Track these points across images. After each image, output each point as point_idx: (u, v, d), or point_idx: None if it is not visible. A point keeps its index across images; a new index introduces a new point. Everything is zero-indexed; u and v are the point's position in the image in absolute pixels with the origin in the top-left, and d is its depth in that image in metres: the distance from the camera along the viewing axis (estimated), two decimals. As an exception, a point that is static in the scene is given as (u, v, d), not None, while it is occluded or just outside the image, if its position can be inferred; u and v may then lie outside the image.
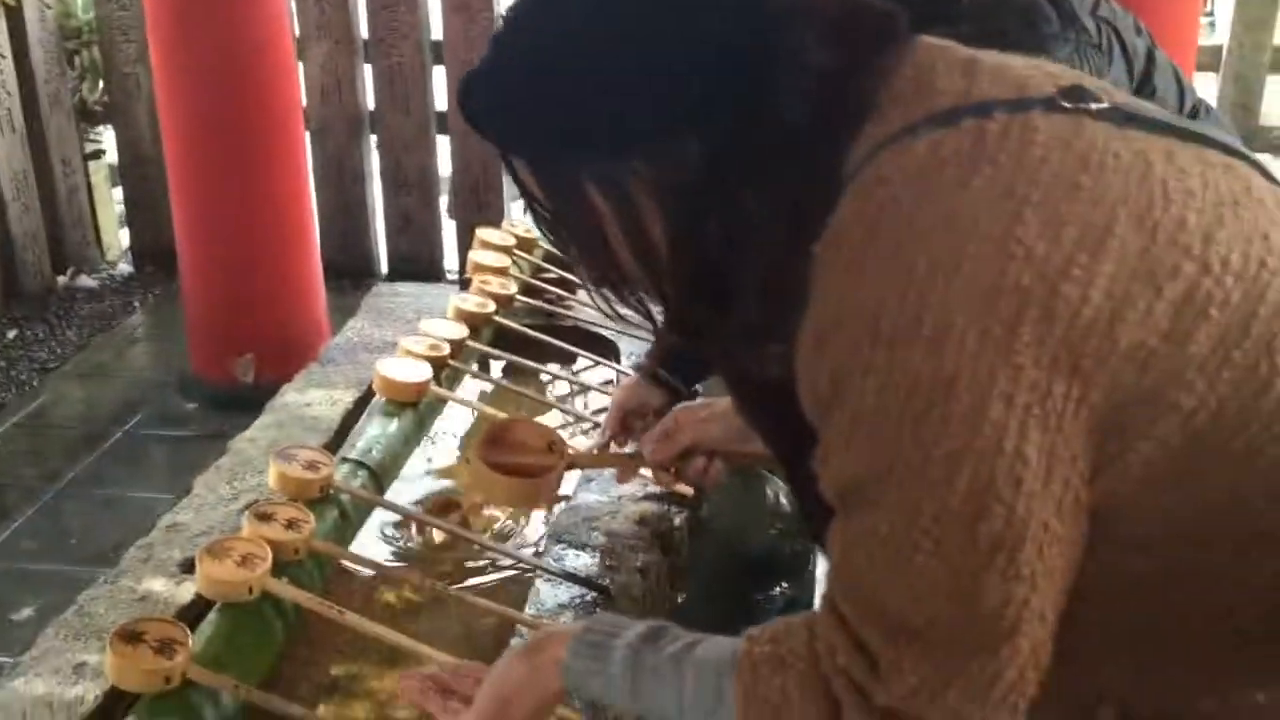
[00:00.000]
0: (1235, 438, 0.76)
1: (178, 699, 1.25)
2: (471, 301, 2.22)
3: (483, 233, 2.49)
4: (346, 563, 1.66)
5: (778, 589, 2.07)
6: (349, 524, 1.66)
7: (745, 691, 0.87)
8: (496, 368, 2.28)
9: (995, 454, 0.74)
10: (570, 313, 2.48)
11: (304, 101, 3.85)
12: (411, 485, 1.94)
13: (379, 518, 1.81)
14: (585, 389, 2.20)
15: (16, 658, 1.50)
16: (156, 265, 4.46)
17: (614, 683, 1.00)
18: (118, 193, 4.69)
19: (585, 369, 2.29)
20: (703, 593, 1.78)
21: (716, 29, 0.84)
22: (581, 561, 1.65)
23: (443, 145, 4.23)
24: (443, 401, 2.01)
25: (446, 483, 1.97)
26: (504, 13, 0.97)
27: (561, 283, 2.54)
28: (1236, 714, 0.82)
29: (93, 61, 4.48)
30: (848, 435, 0.79)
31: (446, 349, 2.02)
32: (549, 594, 1.58)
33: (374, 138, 4.28)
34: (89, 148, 4.52)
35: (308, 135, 3.92)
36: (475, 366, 2.18)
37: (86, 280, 4.44)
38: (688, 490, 1.82)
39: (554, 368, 2.24)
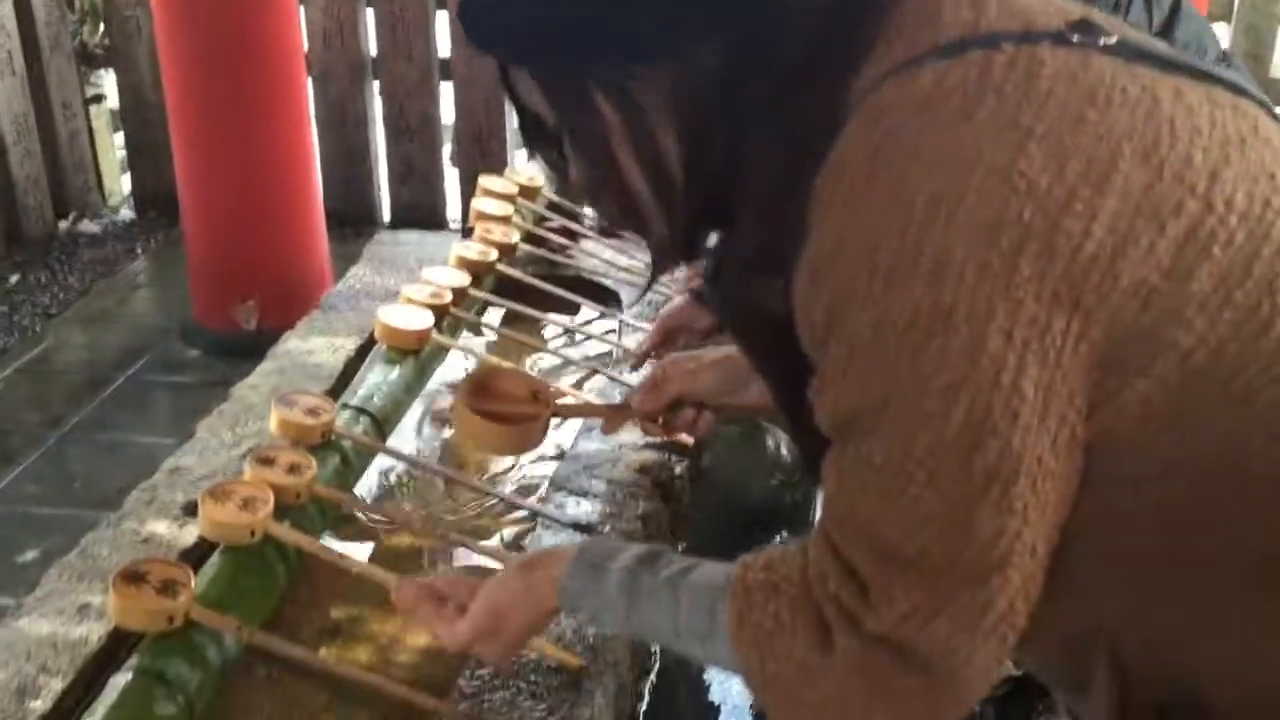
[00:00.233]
0: (1234, 378, 0.76)
1: (181, 639, 1.26)
2: (474, 249, 2.22)
3: (485, 180, 2.48)
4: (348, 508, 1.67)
5: (778, 538, 2.08)
6: (350, 470, 1.67)
7: (738, 616, 0.88)
8: (498, 316, 2.28)
9: (992, 387, 0.74)
10: (573, 261, 2.47)
11: (305, 46, 3.81)
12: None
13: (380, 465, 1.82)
14: (587, 337, 2.20)
15: (21, 599, 1.51)
16: (158, 211, 4.45)
17: (609, 604, 1.02)
18: (119, 138, 4.67)
19: (588, 318, 2.29)
20: (703, 542, 1.79)
21: None
22: (583, 509, 1.66)
23: (446, 92, 4.20)
24: (444, 349, 2.01)
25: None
26: None
27: (564, 231, 2.53)
28: (1224, 663, 0.83)
29: (93, 4, 4.44)
30: (844, 367, 0.79)
31: (448, 297, 2.02)
32: (550, 541, 1.59)
33: (376, 84, 4.25)
34: (90, 92, 4.49)
35: (309, 81, 3.89)
36: (477, 314, 2.18)
37: (89, 225, 4.43)
38: (688, 440, 1.83)
39: (556, 316, 2.24)
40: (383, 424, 1.78)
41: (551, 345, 2.20)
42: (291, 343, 2.21)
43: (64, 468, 2.98)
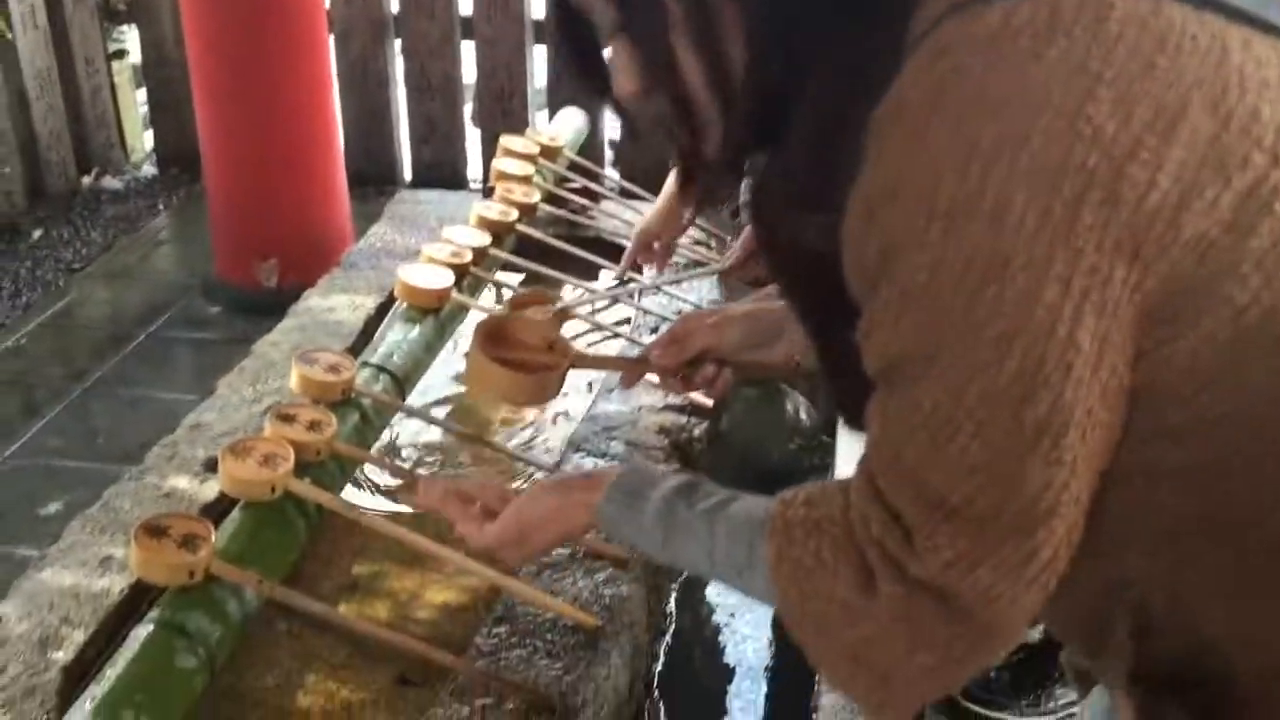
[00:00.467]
0: None
1: (202, 593, 1.27)
2: (494, 209, 2.21)
3: (507, 140, 2.47)
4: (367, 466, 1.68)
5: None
6: (370, 428, 1.68)
7: (778, 552, 0.88)
8: (518, 277, 2.27)
9: (1047, 338, 0.73)
10: (593, 223, 2.47)
11: (327, 4, 3.79)
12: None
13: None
14: (610, 301, 2.20)
15: (44, 550, 1.53)
16: (181, 168, 4.45)
17: (646, 533, 1.02)
18: (142, 94, 4.66)
19: (607, 279, 2.28)
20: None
21: None
22: (600, 470, 1.66)
23: (467, 51, 4.17)
24: (464, 308, 2.01)
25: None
26: None
27: (585, 192, 2.52)
28: (1248, 628, 0.82)
29: (115, -42, 4.43)
30: (896, 311, 0.77)
31: (469, 256, 2.02)
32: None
33: (398, 42, 4.23)
34: (112, 47, 4.48)
35: (331, 38, 3.87)
36: (497, 274, 2.18)
37: (111, 181, 4.43)
38: (707, 401, 1.82)
39: (575, 277, 2.23)
40: (402, 382, 1.79)
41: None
42: (312, 300, 2.21)
43: (87, 422, 3.00)
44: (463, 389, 2.03)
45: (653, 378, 1.62)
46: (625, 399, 1.83)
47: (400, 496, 1.73)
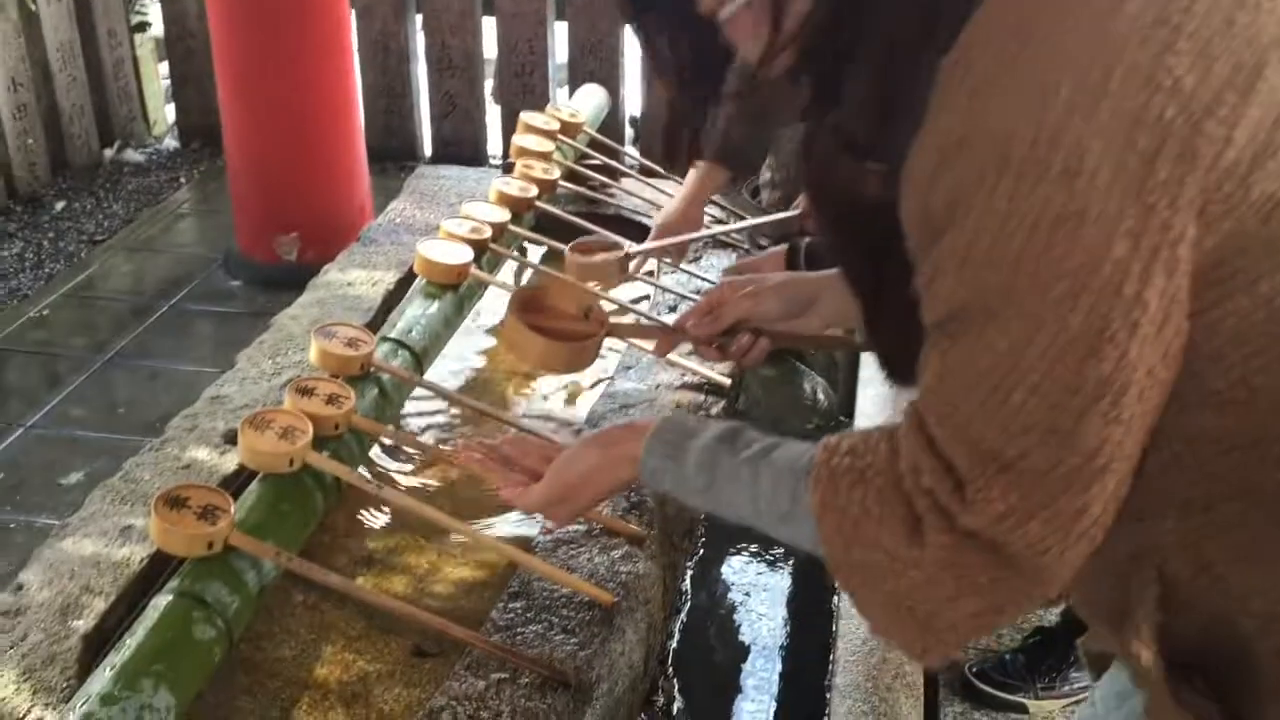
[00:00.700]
0: None
1: (220, 564, 1.28)
2: (514, 185, 2.21)
3: (527, 116, 2.46)
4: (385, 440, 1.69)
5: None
6: (388, 402, 1.68)
7: (823, 500, 0.88)
8: (537, 253, 2.27)
9: (1114, 295, 0.72)
10: (613, 200, 2.46)
11: (349, -22, 3.79)
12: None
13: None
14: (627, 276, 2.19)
15: (65, 519, 1.54)
16: (202, 141, 4.47)
17: (688, 482, 1.03)
18: (164, 68, 4.67)
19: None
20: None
21: None
22: (617, 447, 1.66)
23: (488, 27, 4.17)
24: (483, 285, 2.01)
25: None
26: None
27: (605, 169, 2.51)
28: (1266, 613, 0.82)
29: (138, -69, 4.44)
30: (961, 260, 0.76)
31: (488, 232, 2.01)
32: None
33: (419, 18, 4.23)
34: (135, 20, 4.49)
35: (353, 14, 3.87)
36: (516, 250, 2.18)
37: (133, 154, 4.45)
38: (725, 381, 1.82)
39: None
40: (421, 357, 1.79)
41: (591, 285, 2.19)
42: (332, 275, 2.22)
43: (108, 393, 3.03)
44: (481, 365, 2.04)
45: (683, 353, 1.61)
46: (643, 376, 1.83)
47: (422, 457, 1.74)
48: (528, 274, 2.23)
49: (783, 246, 1.67)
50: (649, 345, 1.70)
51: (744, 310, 1.43)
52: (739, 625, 1.92)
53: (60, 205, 4.05)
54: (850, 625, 1.75)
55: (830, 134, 0.89)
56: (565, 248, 1.92)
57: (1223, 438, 0.79)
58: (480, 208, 2.10)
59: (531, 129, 2.42)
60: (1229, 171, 0.71)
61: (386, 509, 1.63)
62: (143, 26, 4.54)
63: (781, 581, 2.08)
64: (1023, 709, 2.04)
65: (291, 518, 1.40)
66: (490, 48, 4.21)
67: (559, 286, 1.54)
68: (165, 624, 1.21)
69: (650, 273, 2.18)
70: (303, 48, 3.30)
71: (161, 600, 1.24)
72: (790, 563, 2.16)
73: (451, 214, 2.13)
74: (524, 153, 2.35)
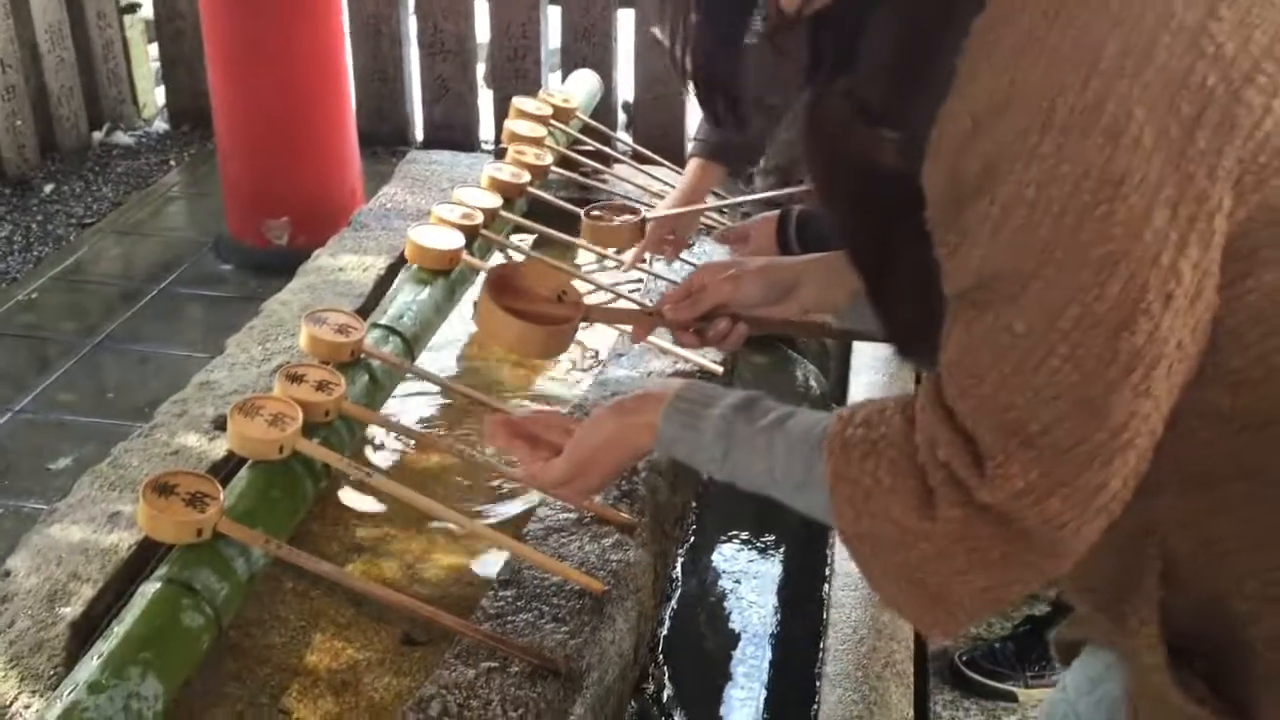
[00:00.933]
0: None
1: (209, 551, 1.27)
2: (506, 171, 2.20)
3: (519, 102, 2.45)
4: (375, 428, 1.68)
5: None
6: (379, 389, 1.67)
7: (835, 471, 0.87)
8: (529, 239, 2.26)
9: (1152, 264, 0.71)
10: (605, 186, 2.45)
11: (341, -40, 3.76)
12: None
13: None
14: (618, 263, 2.19)
15: (53, 504, 1.53)
16: (192, 124, 4.44)
17: (705, 450, 1.02)
18: (154, 49, 4.64)
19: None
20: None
21: None
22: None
23: (481, 11, 4.14)
24: (474, 271, 2.00)
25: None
26: None
27: (597, 155, 2.50)
28: (1263, 595, 0.82)
29: (128, -89, 4.40)
30: (996, 225, 0.75)
31: (479, 218, 2.00)
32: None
33: (411, 2, 4.20)
34: (124, 1, 4.45)
35: (344, -4, 3.84)
36: (508, 236, 2.17)
37: (123, 137, 4.42)
38: (717, 369, 1.82)
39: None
40: (412, 344, 1.78)
41: (582, 270, 2.19)
42: (322, 260, 2.21)
43: (97, 377, 3.01)
44: (472, 351, 2.03)
45: (662, 336, 1.58)
46: (634, 364, 1.83)
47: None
48: (520, 259, 2.22)
49: (774, 213, 1.65)
50: (626, 329, 1.67)
51: (724, 295, 1.41)
52: (730, 613, 1.91)
53: (49, 188, 4.03)
54: (841, 614, 1.75)
55: (842, 100, 0.88)
56: (558, 232, 1.91)
57: (1234, 417, 0.78)
58: (472, 193, 2.09)
59: (524, 114, 2.41)
60: (1265, 141, 0.70)
61: (376, 496, 1.63)
62: (132, 8, 4.50)
63: (773, 569, 2.08)
64: (1012, 697, 2.05)
65: (281, 505, 1.40)
66: (483, 32, 4.19)
67: (531, 267, 1.50)
68: (153, 611, 1.21)
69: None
70: (294, 30, 3.28)
71: (150, 588, 1.24)
72: (781, 550, 2.16)
73: (443, 199, 2.12)
74: (516, 138, 2.33)
